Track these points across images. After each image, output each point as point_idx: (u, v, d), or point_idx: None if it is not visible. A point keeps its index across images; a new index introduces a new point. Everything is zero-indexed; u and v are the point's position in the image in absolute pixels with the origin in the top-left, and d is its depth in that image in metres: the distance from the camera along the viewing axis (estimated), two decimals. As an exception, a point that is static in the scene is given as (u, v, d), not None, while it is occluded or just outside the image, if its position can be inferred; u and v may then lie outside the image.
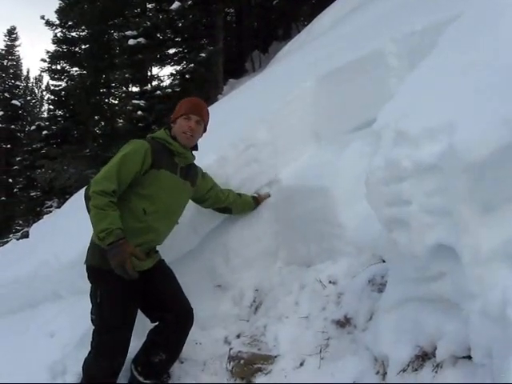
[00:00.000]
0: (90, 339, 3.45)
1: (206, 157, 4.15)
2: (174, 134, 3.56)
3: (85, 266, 3.48)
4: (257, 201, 4.25)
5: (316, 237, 3.85)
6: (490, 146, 1.93)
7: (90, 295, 3.43)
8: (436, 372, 2.21)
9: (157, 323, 3.57)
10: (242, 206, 4.13)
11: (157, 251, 3.62)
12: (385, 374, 2.50)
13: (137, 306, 3.49)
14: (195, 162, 3.75)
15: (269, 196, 4.29)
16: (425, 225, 2.18)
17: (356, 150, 3.91)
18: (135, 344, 3.50)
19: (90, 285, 3.47)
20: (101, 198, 3.14)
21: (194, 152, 3.69)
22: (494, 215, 2.01)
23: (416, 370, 2.33)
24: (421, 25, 4.10)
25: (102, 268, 3.26)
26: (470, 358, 2.05)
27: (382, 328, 2.62)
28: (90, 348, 3.45)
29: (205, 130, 3.73)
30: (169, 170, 3.45)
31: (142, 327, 3.57)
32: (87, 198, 3.25)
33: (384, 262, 3.10)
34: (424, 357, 2.33)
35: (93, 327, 3.44)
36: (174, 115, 3.64)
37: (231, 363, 3.34)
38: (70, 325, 4.37)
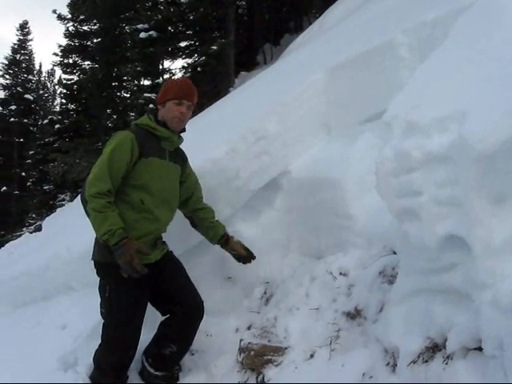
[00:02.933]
0: (101, 332, 3.47)
1: (216, 149, 4.15)
2: (163, 118, 3.50)
3: (92, 261, 3.49)
4: (226, 240, 3.82)
5: (327, 229, 3.86)
6: (501, 136, 1.91)
7: (99, 289, 3.44)
8: (446, 364, 2.19)
9: (167, 316, 3.58)
10: (212, 226, 3.81)
11: (164, 242, 3.61)
12: (395, 365, 2.49)
13: (146, 300, 3.49)
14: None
15: (239, 245, 3.84)
16: (435, 216, 2.17)
17: (366, 142, 3.90)
18: (146, 335, 3.51)
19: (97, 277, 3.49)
20: (97, 200, 3.13)
21: (182, 134, 3.64)
22: (505, 206, 1.99)
23: (426, 361, 2.31)
24: (432, 15, 4.06)
25: (109, 262, 3.27)
26: (480, 349, 2.02)
27: (392, 319, 2.62)
28: (100, 340, 3.47)
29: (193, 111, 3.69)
30: (158, 157, 3.41)
31: (153, 319, 3.58)
32: (84, 202, 3.25)
33: (395, 253, 3.11)
34: (434, 348, 2.31)
35: (103, 321, 3.46)
36: (162, 97, 3.54)
37: (242, 355, 3.35)
38: (82, 317, 4.41)
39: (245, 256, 3.81)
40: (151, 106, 15.26)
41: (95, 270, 3.47)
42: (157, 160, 3.40)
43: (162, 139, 3.46)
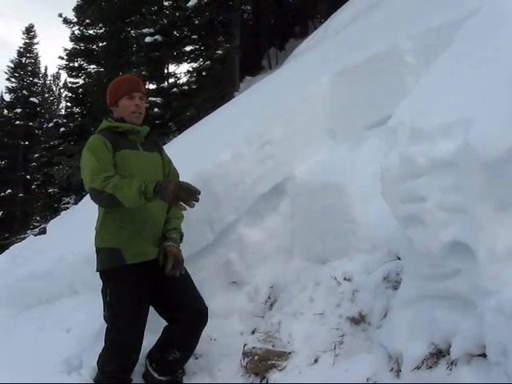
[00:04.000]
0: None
1: (221, 154, 4.17)
2: (121, 116, 3.53)
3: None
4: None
5: (331, 233, 3.86)
6: (506, 142, 1.92)
7: (102, 293, 3.45)
8: (450, 370, 2.20)
9: (171, 322, 3.58)
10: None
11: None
12: (399, 371, 2.50)
13: (148, 305, 3.49)
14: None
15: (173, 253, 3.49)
16: (440, 222, 2.18)
17: (372, 147, 3.91)
18: (150, 338, 3.52)
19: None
20: (107, 181, 3.13)
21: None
22: (510, 213, 2.00)
23: (430, 367, 2.32)
24: (437, 21, 4.08)
25: (111, 267, 3.33)
26: (484, 355, 2.03)
27: (396, 325, 2.62)
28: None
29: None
30: (129, 148, 3.43)
31: (156, 322, 3.59)
32: (98, 198, 3.23)
33: (399, 259, 3.11)
34: (438, 354, 2.32)
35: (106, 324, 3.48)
36: (112, 99, 3.58)
37: (245, 359, 3.35)
38: (86, 320, 4.41)
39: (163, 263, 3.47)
40: (156, 110, 15.32)
41: (99, 275, 3.48)
42: (129, 151, 3.42)
43: (128, 133, 3.49)
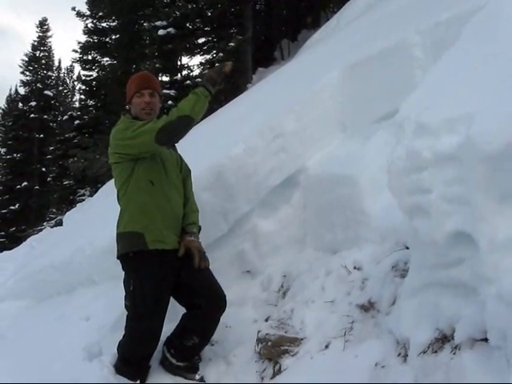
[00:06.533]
0: (125, 323, 3.58)
1: (235, 147, 4.26)
2: (135, 115, 3.62)
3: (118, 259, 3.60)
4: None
5: (342, 224, 3.94)
6: (507, 137, 1.96)
7: (124, 283, 3.54)
8: (454, 354, 2.26)
9: (190, 309, 3.67)
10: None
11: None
12: (406, 355, 2.58)
13: (169, 294, 3.58)
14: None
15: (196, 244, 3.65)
16: (444, 213, 2.24)
17: (381, 140, 3.98)
18: (167, 326, 3.61)
19: (123, 271, 3.59)
20: (161, 121, 3.35)
21: None
22: (510, 204, 2.05)
23: (435, 351, 2.39)
24: (446, 15, 4.13)
25: (132, 250, 3.42)
26: (486, 340, 2.09)
27: (404, 312, 2.69)
28: (124, 331, 3.59)
29: (161, 98, 3.78)
30: None
31: (173, 310, 3.68)
32: (174, 128, 3.37)
33: (407, 248, 3.16)
34: (443, 339, 2.39)
35: (126, 312, 3.58)
36: (128, 97, 3.69)
37: (259, 345, 3.45)
38: (105, 309, 4.50)
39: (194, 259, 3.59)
40: (170, 102, 15.39)
41: (121, 265, 3.58)
42: None
43: None
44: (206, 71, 3.54)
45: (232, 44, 16.11)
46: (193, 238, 3.65)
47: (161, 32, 16.48)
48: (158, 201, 3.49)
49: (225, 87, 15.40)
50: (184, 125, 3.36)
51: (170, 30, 16.43)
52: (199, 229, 3.78)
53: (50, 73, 38.17)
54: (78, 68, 35.95)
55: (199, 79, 16.40)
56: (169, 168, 3.61)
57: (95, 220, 7.16)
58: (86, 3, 24.17)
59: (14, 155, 34.72)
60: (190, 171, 3.90)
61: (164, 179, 3.54)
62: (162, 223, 3.49)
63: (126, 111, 3.74)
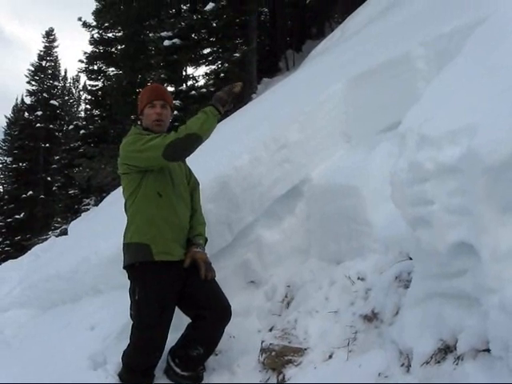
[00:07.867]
0: (130, 332, 3.60)
1: (239, 157, 4.28)
2: (146, 126, 3.66)
3: (125, 270, 3.61)
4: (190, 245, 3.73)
5: (346, 235, 3.95)
6: (508, 149, 1.98)
7: (129, 292, 3.56)
8: (457, 364, 2.27)
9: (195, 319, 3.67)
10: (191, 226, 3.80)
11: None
12: (409, 366, 2.58)
13: (174, 304, 3.60)
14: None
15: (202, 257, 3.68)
16: (446, 224, 2.26)
17: (384, 151, 4.00)
18: (172, 336, 3.63)
19: (128, 280, 3.60)
20: (170, 137, 3.37)
21: None
22: (512, 215, 2.09)
23: (438, 362, 2.40)
24: (449, 28, 4.15)
25: (138, 261, 3.44)
26: (489, 350, 2.10)
27: (407, 322, 2.71)
28: (129, 340, 3.60)
29: (172, 111, 3.83)
30: None
31: (178, 319, 3.68)
32: (180, 146, 3.40)
33: (411, 259, 3.17)
34: (446, 350, 2.40)
35: (132, 322, 3.59)
36: (139, 108, 3.72)
37: (263, 355, 3.45)
38: (110, 318, 4.49)
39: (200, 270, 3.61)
40: (175, 112, 15.44)
41: (127, 275, 3.60)
42: None
43: None
44: (217, 92, 3.61)
45: (237, 54, 16.19)
46: (199, 249, 3.68)
47: (166, 42, 16.55)
48: (165, 213, 3.51)
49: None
50: (192, 142, 3.39)
51: (175, 40, 16.51)
52: (206, 240, 3.81)
53: (56, 83, 38.33)
54: (83, 78, 36.07)
55: (203, 89, 16.53)
56: (176, 180, 3.64)
57: (100, 229, 7.16)
58: (92, 13, 24.29)
59: (20, 164, 34.91)
60: (198, 184, 3.93)
61: (171, 191, 3.57)
62: (169, 235, 3.51)
63: (137, 122, 3.76)
